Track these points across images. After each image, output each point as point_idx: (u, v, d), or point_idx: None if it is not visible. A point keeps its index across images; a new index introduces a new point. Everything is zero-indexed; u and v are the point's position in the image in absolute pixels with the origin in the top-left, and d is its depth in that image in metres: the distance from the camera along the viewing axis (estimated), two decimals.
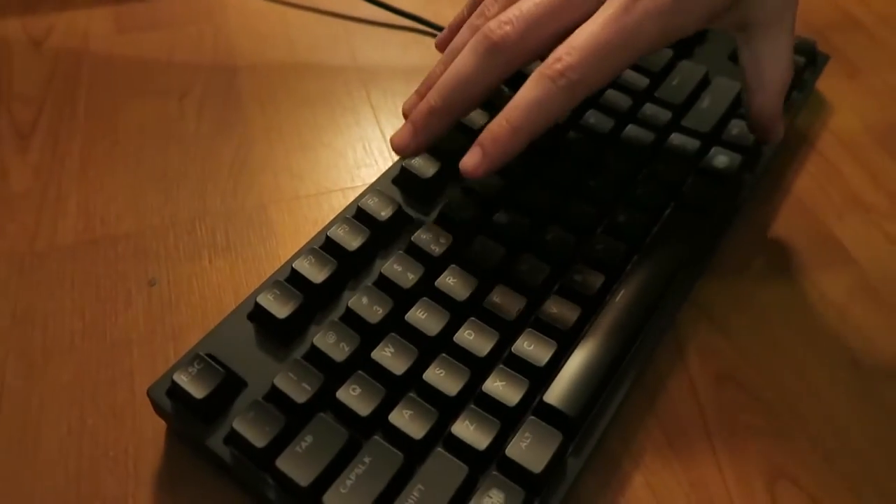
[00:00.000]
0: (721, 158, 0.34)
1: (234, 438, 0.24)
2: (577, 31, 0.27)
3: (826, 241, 0.36)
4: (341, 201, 0.36)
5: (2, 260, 0.32)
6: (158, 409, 0.26)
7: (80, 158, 0.37)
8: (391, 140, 0.30)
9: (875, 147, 0.41)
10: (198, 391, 0.25)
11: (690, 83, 0.37)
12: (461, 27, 0.32)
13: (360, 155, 0.38)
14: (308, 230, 0.35)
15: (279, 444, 0.24)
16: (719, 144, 0.35)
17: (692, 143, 0.35)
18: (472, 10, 0.33)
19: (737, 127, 0.36)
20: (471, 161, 0.28)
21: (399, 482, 0.24)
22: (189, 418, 0.25)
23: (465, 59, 0.29)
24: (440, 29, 0.44)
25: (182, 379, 0.25)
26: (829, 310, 0.33)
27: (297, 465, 0.23)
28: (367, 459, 0.24)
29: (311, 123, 0.39)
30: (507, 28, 0.28)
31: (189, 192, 0.36)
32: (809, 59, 0.41)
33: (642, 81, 0.37)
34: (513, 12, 0.28)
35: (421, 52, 0.44)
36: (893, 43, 0.47)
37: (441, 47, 0.35)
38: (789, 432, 0.29)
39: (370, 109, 0.40)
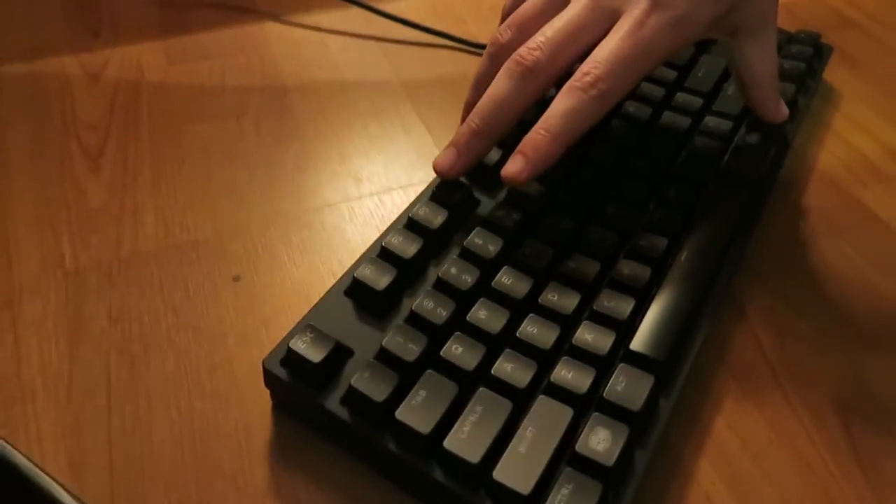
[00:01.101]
0: (752, 136, 0.37)
1: (351, 397, 0.26)
2: (598, 48, 0.31)
3: (855, 207, 0.39)
4: (403, 198, 0.38)
5: (91, 268, 0.34)
6: (272, 379, 0.27)
7: (151, 175, 0.39)
8: (435, 164, 0.32)
9: (886, 126, 0.44)
10: (314, 356, 0.26)
11: (714, 74, 0.40)
12: None
13: (414, 158, 0.40)
14: (376, 224, 0.37)
15: (396, 398, 0.26)
16: (747, 125, 0.38)
17: (725, 124, 0.37)
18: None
19: None
20: (514, 168, 0.30)
21: (511, 426, 0.25)
22: (304, 385, 0.27)
23: (501, 83, 0.32)
24: (471, 45, 0.48)
25: (299, 346, 0.26)
26: (868, 265, 0.36)
27: (416, 416, 0.25)
28: (478, 408, 0.26)
29: (364, 133, 0.42)
30: (537, 53, 0.31)
31: (258, 198, 0.38)
32: (816, 51, 0.45)
33: (671, 74, 0.40)
34: (539, 39, 0.31)
35: (457, 67, 0.47)
36: (885, 37, 0.51)
37: None
38: (853, 375, 0.31)
39: (418, 119, 0.43)
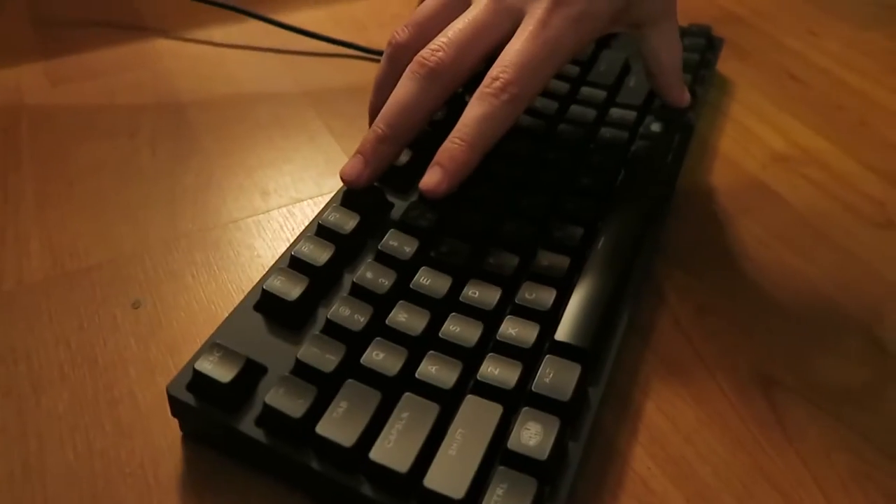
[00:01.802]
0: (656, 125, 0.38)
1: (267, 417, 0.24)
2: (505, 51, 0.30)
3: (758, 187, 0.40)
4: (313, 209, 0.37)
5: None
6: (179, 406, 0.25)
7: (36, 202, 0.36)
8: (341, 173, 0.31)
9: (777, 112, 0.46)
10: (223, 376, 0.24)
11: (616, 68, 0.41)
12: None
13: (323, 167, 0.39)
14: (286, 237, 0.35)
15: (315, 412, 0.24)
16: (651, 114, 0.39)
17: (630, 114, 0.38)
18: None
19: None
20: (432, 180, 0.29)
21: (439, 430, 0.24)
22: (214, 409, 0.25)
23: (405, 86, 0.31)
24: (374, 52, 0.47)
25: (204, 366, 0.24)
26: (775, 241, 0.37)
27: (338, 429, 0.23)
28: (404, 414, 0.24)
29: (269, 145, 0.40)
30: (440, 54, 0.30)
31: (157, 218, 0.35)
32: (708, 43, 0.46)
33: (574, 70, 0.41)
34: (441, 40, 0.31)
35: (362, 74, 0.46)
36: (770, 30, 0.54)
37: None
38: (770, 347, 0.32)
39: (324, 128, 0.42)
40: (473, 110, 0.30)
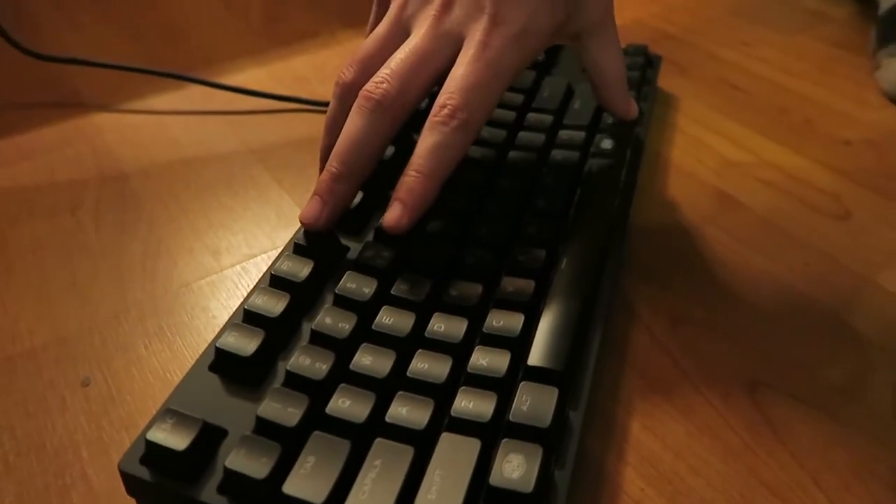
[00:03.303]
0: (606, 142, 0.38)
1: (229, 482, 0.22)
2: (449, 77, 0.30)
3: (715, 195, 0.40)
4: (268, 264, 0.35)
5: None
6: (134, 483, 0.23)
7: None
8: (301, 217, 0.30)
9: (724, 120, 0.46)
10: (178, 443, 0.22)
11: (559, 92, 0.41)
12: None
13: (275, 221, 0.38)
14: (241, 295, 0.34)
15: (281, 471, 0.22)
16: (600, 132, 0.39)
17: (579, 135, 0.38)
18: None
19: (609, 116, 0.40)
20: (393, 216, 0.29)
21: (416, 474, 0.23)
22: (171, 481, 0.23)
23: (353, 121, 0.30)
24: (319, 104, 0.47)
25: (157, 436, 0.23)
26: (740, 245, 0.36)
27: (307, 486, 0.22)
28: (377, 462, 0.23)
29: (217, 205, 0.39)
30: (385, 86, 0.30)
31: (105, 292, 0.34)
32: (647, 60, 0.47)
33: (518, 98, 0.41)
34: (384, 72, 0.30)
35: (308, 127, 0.45)
36: (703, 44, 0.55)
37: None
38: (749, 349, 0.31)
39: (273, 181, 0.41)
40: (426, 141, 0.29)
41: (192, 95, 0.48)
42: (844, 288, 0.34)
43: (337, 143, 0.30)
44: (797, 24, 0.58)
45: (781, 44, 0.55)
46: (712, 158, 0.43)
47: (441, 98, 0.29)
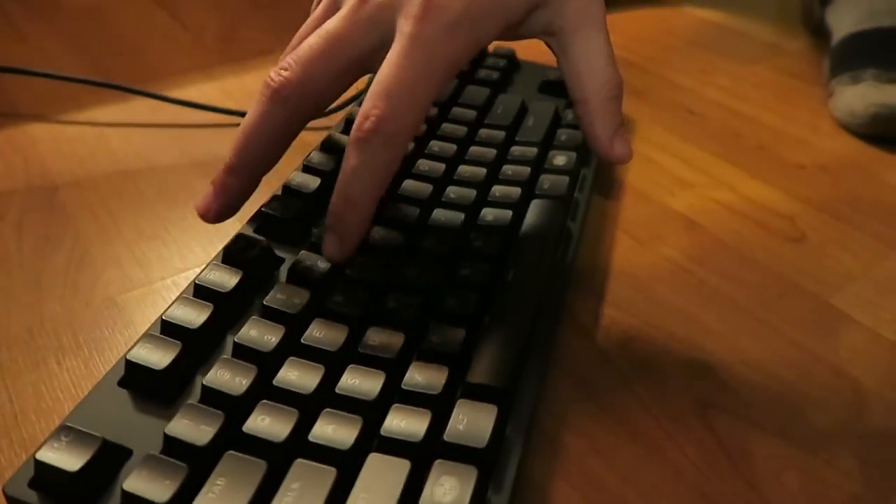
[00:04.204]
0: (560, 158, 0.37)
1: None
2: (375, 79, 0.26)
3: (669, 215, 0.39)
4: None
5: None
6: None
7: None
8: (196, 208, 0.28)
9: (680, 143, 0.46)
10: (71, 464, 0.20)
11: (513, 109, 0.40)
12: None
13: (212, 234, 0.36)
14: None
15: (186, 495, 0.20)
16: (554, 149, 0.38)
17: (531, 151, 0.37)
18: None
19: (564, 134, 0.39)
20: (330, 249, 0.27)
21: (338, 498, 0.21)
22: None
23: (252, 112, 0.27)
24: None
25: (48, 455, 0.20)
26: (694, 265, 0.36)
27: None
28: (295, 485, 0.21)
29: (152, 217, 0.37)
30: (285, 73, 0.27)
31: (19, 304, 0.31)
32: None
33: (471, 114, 0.40)
34: (290, 58, 0.27)
35: None
36: (662, 72, 0.55)
37: None
38: (701, 370, 0.30)
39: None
40: (350, 161, 0.26)
41: (139, 109, 0.46)
42: (799, 309, 0.33)
43: (236, 135, 0.28)
44: (754, 55, 0.58)
45: (738, 73, 0.55)
46: (667, 179, 0.42)
47: (365, 106, 0.25)
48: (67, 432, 0.21)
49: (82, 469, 0.20)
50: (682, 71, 0.55)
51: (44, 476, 0.21)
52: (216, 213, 0.28)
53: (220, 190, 0.28)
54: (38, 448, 0.21)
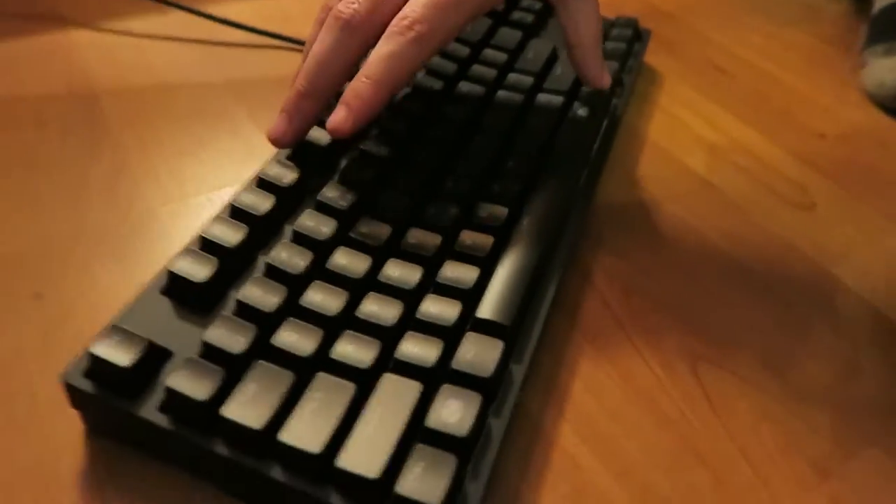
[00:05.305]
0: (582, 110, 0.38)
1: (171, 401, 0.23)
2: None
3: (686, 174, 0.40)
4: None
5: None
6: (77, 395, 0.23)
7: None
8: (267, 133, 0.31)
9: (705, 101, 0.46)
10: (123, 359, 0.23)
11: (543, 56, 0.41)
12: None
13: (245, 156, 0.38)
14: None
15: (222, 395, 0.23)
16: (578, 101, 0.39)
17: (557, 100, 0.38)
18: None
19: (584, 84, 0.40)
20: (337, 118, 0.29)
21: (354, 410, 0.23)
22: (114, 395, 0.23)
23: (321, 40, 0.31)
24: (301, 43, 0.46)
25: (101, 350, 0.23)
26: (703, 225, 0.37)
27: (246, 411, 0.22)
28: (317, 395, 0.23)
29: (187, 134, 0.39)
30: (354, 6, 0.30)
31: (65, 208, 0.33)
32: (635, 33, 0.47)
33: (501, 57, 0.40)
34: None
35: (289, 66, 0.44)
36: (695, 24, 0.55)
37: None
38: (697, 324, 0.32)
39: (247, 117, 0.40)
40: (380, 49, 0.29)
41: (174, 22, 0.47)
42: (800, 276, 0.35)
43: (306, 61, 0.31)
44: (791, 15, 0.58)
45: (772, 33, 0.55)
46: (689, 138, 0.43)
47: (404, 10, 0.30)
48: (117, 331, 0.23)
49: (132, 365, 0.23)
50: (716, 25, 0.55)
51: (97, 368, 0.23)
52: (293, 136, 0.31)
53: (294, 114, 0.30)
54: (92, 343, 0.23)
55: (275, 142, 0.31)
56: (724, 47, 0.52)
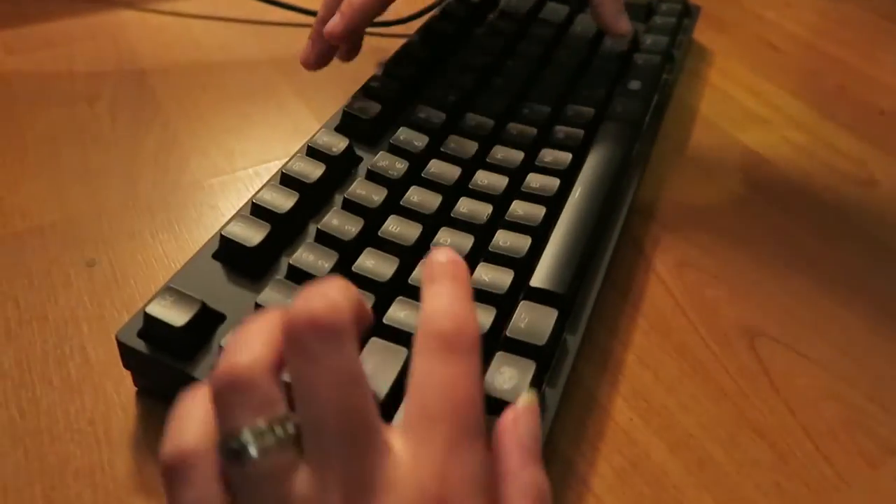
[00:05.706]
0: (634, 83, 0.37)
1: None
2: None
3: (737, 148, 0.39)
4: None
5: None
6: (130, 355, 0.24)
7: None
8: (300, 59, 0.35)
9: (756, 78, 0.45)
10: (177, 319, 0.23)
11: (590, 31, 0.40)
12: None
13: (292, 131, 0.38)
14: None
15: None
16: (629, 72, 0.38)
17: (612, 65, 0.37)
18: None
19: (640, 59, 0.39)
20: (331, 23, 0.33)
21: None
22: (167, 356, 0.23)
23: None
24: None
25: (156, 310, 0.23)
26: (757, 197, 0.36)
27: None
28: (371, 360, 0.23)
29: (235, 112, 0.39)
30: None
31: (116, 180, 0.34)
32: (685, 9, 0.46)
33: (548, 32, 0.40)
34: None
35: None
36: (745, 2, 0.53)
37: None
38: (753, 299, 0.31)
39: (293, 94, 0.40)
40: None
41: (220, 1, 0.47)
42: (858, 250, 0.34)
43: None
44: None
45: (824, 8, 0.53)
46: (740, 113, 0.42)
47: None
48: (172, 293, 0.23)
49: (186, 325, 0.23)
50: (767, 2, 0.53)
51: (151, 328, 0.23)
52: (314, 59, 0.34)
53: (316, 37, 0.34)
54: (147, 303, 0.23)
55: (304, 65, 0.35)
56: (775, 24, 0.51)
